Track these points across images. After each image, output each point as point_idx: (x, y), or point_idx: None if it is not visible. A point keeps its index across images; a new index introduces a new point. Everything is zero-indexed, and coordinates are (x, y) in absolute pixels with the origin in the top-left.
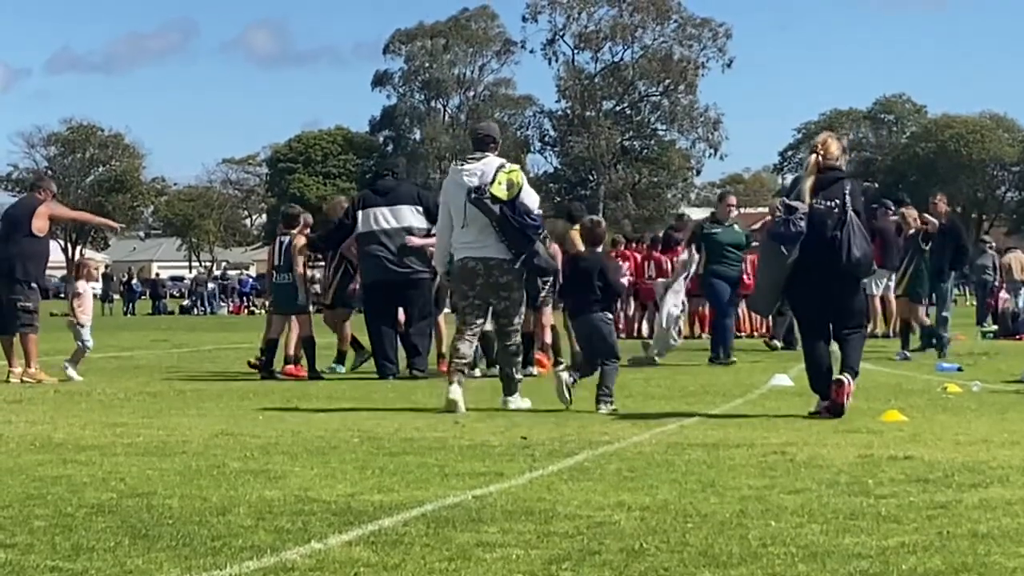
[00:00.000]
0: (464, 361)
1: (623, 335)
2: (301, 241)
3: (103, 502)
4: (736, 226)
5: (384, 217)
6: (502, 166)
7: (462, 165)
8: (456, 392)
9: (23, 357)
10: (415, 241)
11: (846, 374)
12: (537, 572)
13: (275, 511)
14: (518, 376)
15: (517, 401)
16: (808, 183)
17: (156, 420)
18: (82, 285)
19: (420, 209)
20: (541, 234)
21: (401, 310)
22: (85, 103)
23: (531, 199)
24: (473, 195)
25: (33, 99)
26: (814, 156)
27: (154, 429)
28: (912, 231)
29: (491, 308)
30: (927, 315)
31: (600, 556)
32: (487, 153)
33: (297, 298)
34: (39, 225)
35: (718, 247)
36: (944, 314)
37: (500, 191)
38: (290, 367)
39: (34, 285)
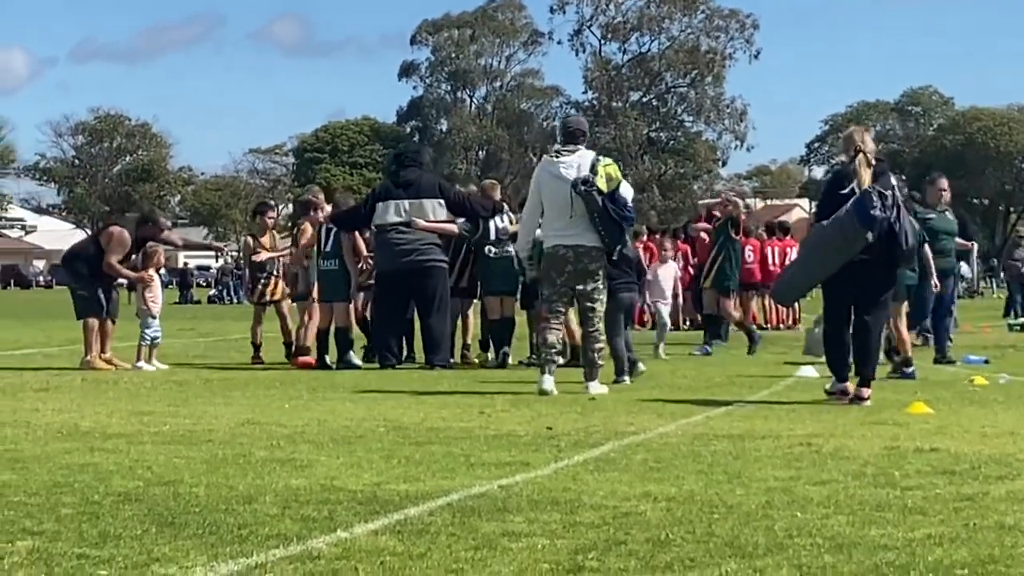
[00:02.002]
0: (554, 351)
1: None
2: (309, 231)
3: (130, 490)
4: (949, 212)
5: (403, 210)
6: (597, 159)
7: (557, 157)
8: (548, 382)
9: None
10: (422, 224)
11: (866, 389)
12: (563, 562)
13: (301, 500)
14: (600, 363)
15: (597, 387)
16: (867, 175)
17: (182, 409)
18: (151, 274)
19: (442, 202)
20: (633, 227)
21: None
22: (110, 93)
23: (627, 192)
24: (581, 187)
25: (58, 89)
26: (863, 155)
27: (180, 418)
28: (720, 220)
29: (574, 295)
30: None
31: (626, 546)
32: (578, 146)
33: (347, 285)
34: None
35: (932, 236)
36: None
37: (602, 183)
38: (305, 358)
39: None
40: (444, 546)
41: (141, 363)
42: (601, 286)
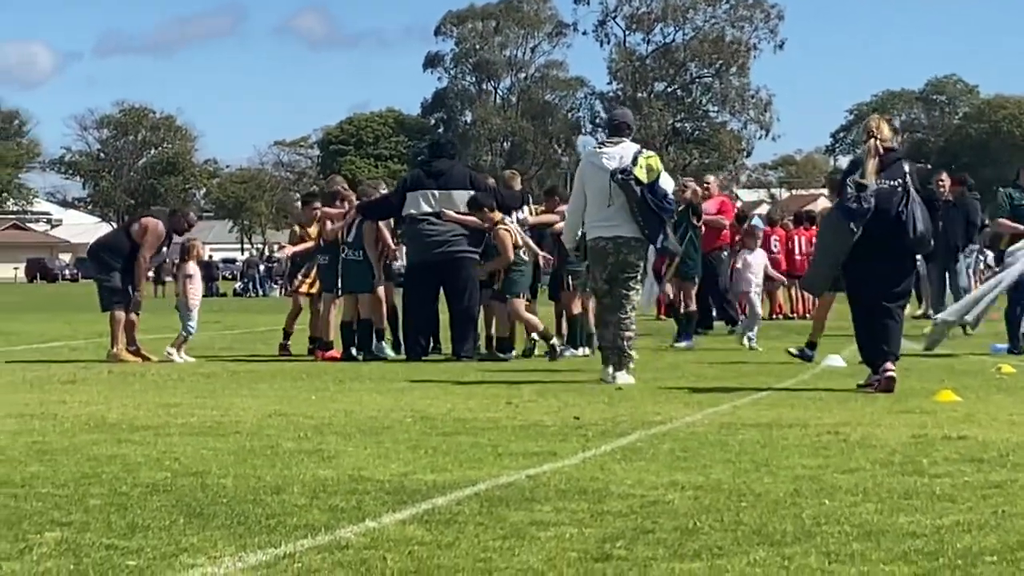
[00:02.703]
0: (611, 345)
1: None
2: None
3: (158, 481)
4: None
5: (433, 200)
6: (640, 151)
7: (601, 148)
8: (608, 374)
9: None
10: (451, 215)
11: (891, 362)
12: (591, 550)
13: (329, 490)
14: (631, 353)
15: (624, 377)
16: (872, 164)
17: (210, 400)
18: (191, 267)
19: (472, 193)
20: (672, 218)
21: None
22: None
23: (668, 185)
24: (619, 176)
25: (83, 82)
26: (873, 141)
27: (208, 409)
28: (681, 207)
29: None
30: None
31: (654, 535)
32: (623, 138)
33: (371, 276)
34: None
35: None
36: (961, 290)
37: (642, 174)
38: (332, 351)
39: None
40: (472, 535)
41: (172, 351)
42: (638, 277)
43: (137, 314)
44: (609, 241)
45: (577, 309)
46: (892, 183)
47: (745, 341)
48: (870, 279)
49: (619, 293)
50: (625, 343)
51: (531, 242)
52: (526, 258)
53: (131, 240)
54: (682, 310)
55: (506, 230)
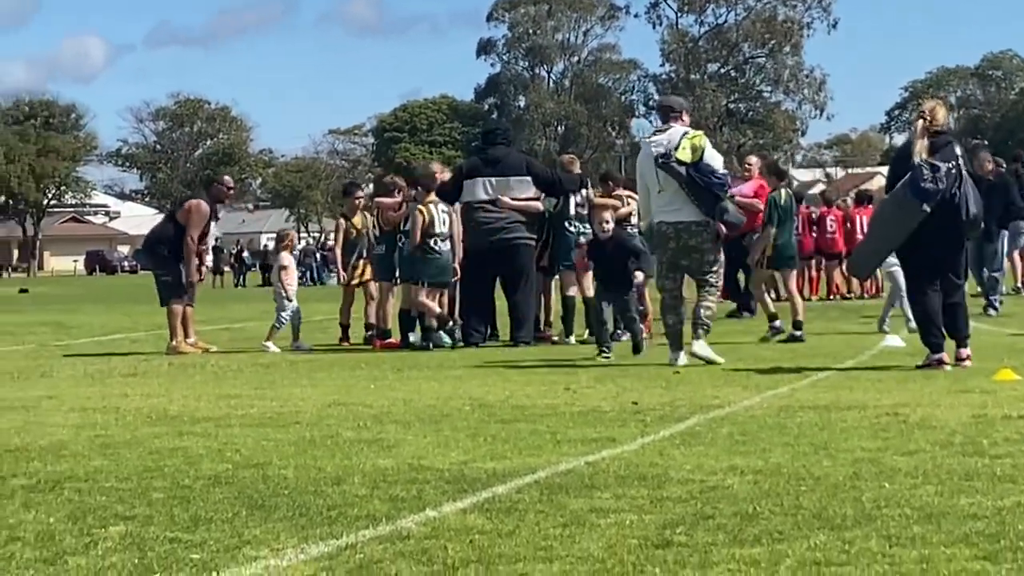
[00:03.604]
0: (675, 328)
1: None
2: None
3: (219, 473)
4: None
5: (490, 187)
6: (686, 133)
7: (651, 137)
8: (680, 358)
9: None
10: (507, 201)
11: (964, 350)
12: (651, 537)
13: (389, 480)
14: (708, 323)
15: (703, 347)
16: (921, 145)
17: (269, 391)
18: (286, 257)
19: (528, 179)
20: (727, 192)
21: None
22: (187, 77)
23: (715, 160)
24: (660, 160)
25: (136, 75)
26: (921, 121)
27: (267, 400)
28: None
29: (684, 270)
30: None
31: (714, 520)
32: (672, 124)
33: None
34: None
35: None
36: (994, 274)
37: (685, 155)
38: (390, 340)
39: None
40: (532, 523)
41: (269, 344)
42: (711, 258)
43: (191, 303)
44: (670, 226)
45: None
46: (946, 165)
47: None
48: (926, 261)
49: (698, 280)
50: (704, 314)
51: (457, 231)
52: (441, 246)
53: (178, 225)
54: None
55: (419, 211)
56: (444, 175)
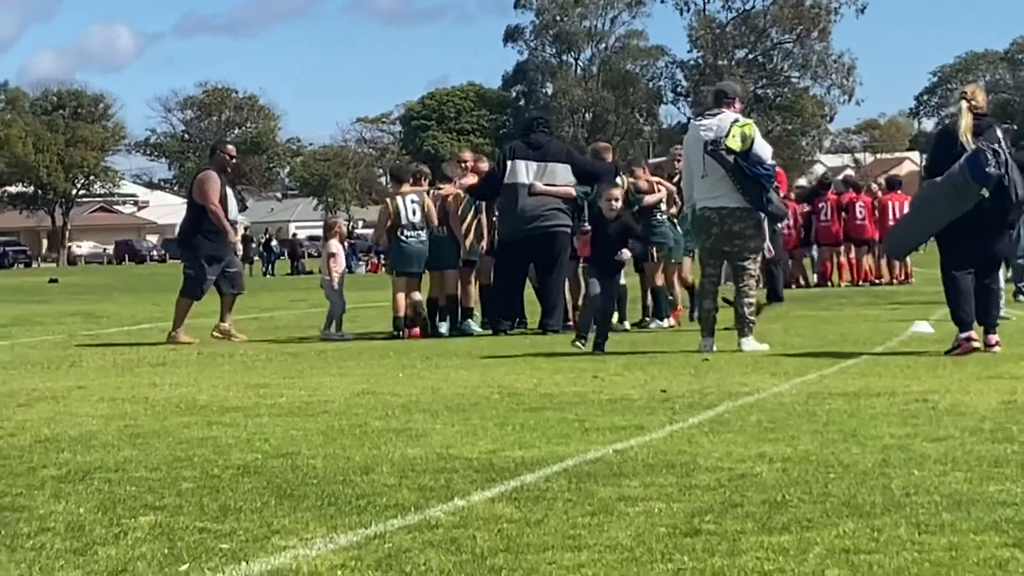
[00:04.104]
0: (709, 314)
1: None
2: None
3: (248, 463)
4: None
5: (533, 171)
6: (736, 120)
7: (700, 120)
8: (705, 344)
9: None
10: (541, 187)
11: (993, 335)
12: (679, 525)
13: (418, 469)
14: (752, 319)
15: (751, 343)
16: (966, 124)
17: (298, 380)
18: (334, 245)
19: (568, 167)
20: (774, 183)
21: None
22: (215, 66)
23: (764, 150)
24: (709, 147)
25: (165, 64)
26: (965, 103)
27: (296, 389)
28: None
29: (724, 256)
30: None
31: (742, 508)
32: (723, 109)
33: (457, 253)
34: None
35: None
36: (1019, 261)
37: (734, 143)
38: (415, 329)
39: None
40: (561, 512)
41: (330, 331)
42: (752, 245)
43: (239, 291)
44: (714, 211)
45: (660, 281)
46: (992, 147)
47: None
48: (968, 244)
49: (736, 266)
50: (746, 310)
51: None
52: (409, 236)
53: (196, 205)
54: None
55: (386, 202)
56: (481, 164)
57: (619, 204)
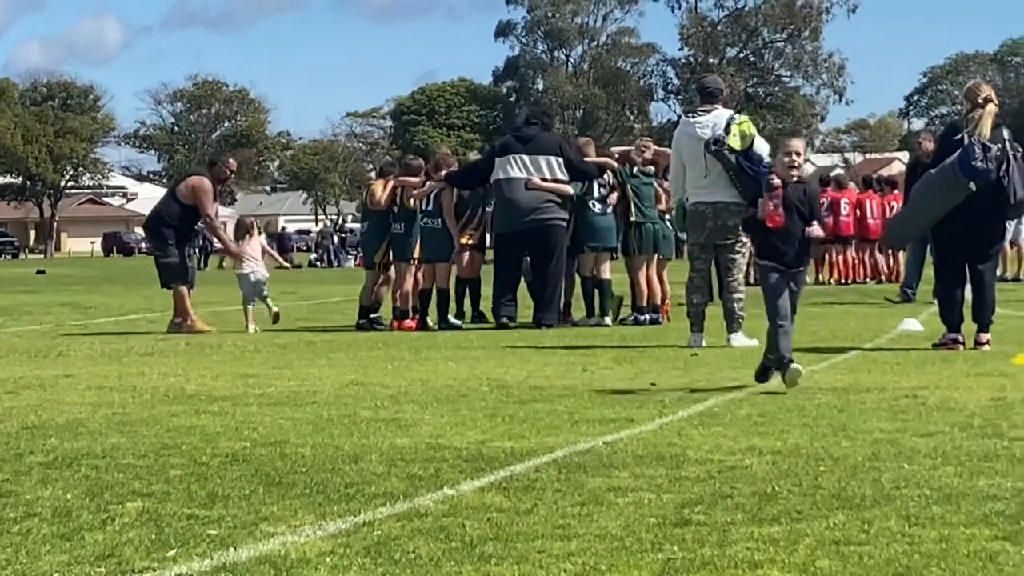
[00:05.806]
0: (699, 309)
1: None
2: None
3: (237, 451)
4: None
5: (521, 165)
6: (732, 117)
7: (694, 117)
8: (694, 339)
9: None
10: (536, 181)
11: (984, 334)
12: (669, 515)
13: (407, 458)
14: (741, 314)
15: (740, 339)
16: (989, 124)
17: (287, 371)
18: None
19: (561, 160)
20: None
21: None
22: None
23: (763, 149)
24: (713, 146)
25: (153, 56)
26: (993, 106)
27: (285, 379)
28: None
29: (715, 250)
30: None
31: (732, 500)
32: (715, 105)
33: (450, 245)
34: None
35: None
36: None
37: (735, 142)
38: (408, 322)
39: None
40: (550, 502)
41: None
42: (743, 239)
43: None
44: (709, 206)
45: (606, 274)
46: (996, 146)
47: None
48: (963, 241)
49: (726, 258)
50: (735, 305)
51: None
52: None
53: (179, 203)
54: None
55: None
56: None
57: (801, 160)
